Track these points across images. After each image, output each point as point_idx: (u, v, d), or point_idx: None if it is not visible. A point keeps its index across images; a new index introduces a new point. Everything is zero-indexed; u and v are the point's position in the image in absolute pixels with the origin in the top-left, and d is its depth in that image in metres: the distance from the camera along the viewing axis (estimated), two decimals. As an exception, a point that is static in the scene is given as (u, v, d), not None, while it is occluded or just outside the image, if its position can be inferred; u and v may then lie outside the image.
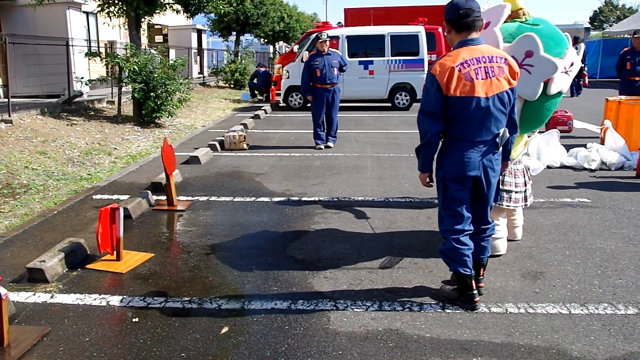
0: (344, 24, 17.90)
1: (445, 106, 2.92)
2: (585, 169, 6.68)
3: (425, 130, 3.00)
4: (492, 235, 3.34)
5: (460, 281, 3.12)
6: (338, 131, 8.71)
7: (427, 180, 3.19)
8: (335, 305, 3.18)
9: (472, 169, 2.97)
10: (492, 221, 3.26)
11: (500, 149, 3.05)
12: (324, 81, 8.12)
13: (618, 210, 5.06)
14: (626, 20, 27.75)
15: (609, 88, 16.71)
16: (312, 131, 8.47)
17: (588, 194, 5.62)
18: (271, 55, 31.48)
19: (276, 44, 32.01)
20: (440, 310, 3.11)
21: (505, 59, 2.96)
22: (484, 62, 2.87)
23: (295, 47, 16.70)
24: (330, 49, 8.25)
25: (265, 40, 30.32)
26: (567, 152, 6.97)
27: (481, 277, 3.32)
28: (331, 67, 8.11)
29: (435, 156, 3.12)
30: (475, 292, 3.12)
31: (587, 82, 17.58)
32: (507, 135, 3.01)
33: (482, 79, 2.86)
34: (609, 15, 42.21)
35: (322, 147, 8.37)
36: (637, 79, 8.83)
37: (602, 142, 7.31)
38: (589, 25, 37.93)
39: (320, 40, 8.13)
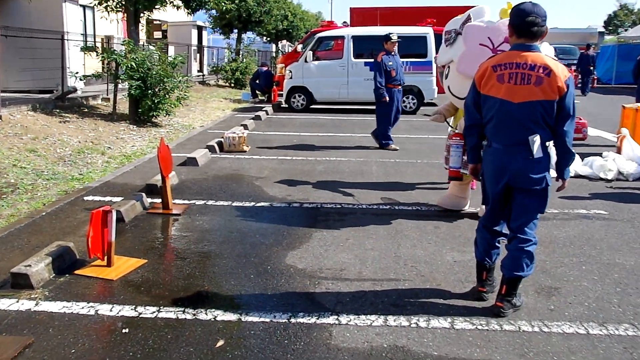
0: (349, 24, 17.81)
1: (480, 104, 3.14)
2: (601, 179, 6.46)
3: (464, 121, 3.34)
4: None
5: (476, 267, 3.40)
6: (340, 134, 8.60)
7: (477, 173, 3.37)
8: (338, 318, 3.08)
9: (500, 171, 3.08)
10: (530, 236, 3.06)
11: (538, 155, 2.94)
12: (398, 82, 8.30)
13: (637, 223, 4.88)
14: (642, 24, 27.30)
15: (624, 95, 16.37)
16: (380, 132, 8.47)
17: (604, 205, 5.43)
18: (274, 55, 31.36)
19: (279, 42, 31.94)
20: (448, 327, 2.98)
21: (551, 71, 2.86)
22: (523, 69, 2.93)
23: (299, 47, 16.56)
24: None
25: (268, 38, 30.25)
26: (582, 161, 6.75)
27: (505, 295, 3.11)
28: (401, 67, 8.36)
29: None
30: (481, 283, 3.33)
31: (595, 84, 20.07)
32: (538, 142, 2.94)
33: (515, 84, 2.94)
34: (624, 19, 41.75)
35: (394, 146, 8.36)
36: None
37: (619, 151, 7.15)
38: (603, 30, 37.59)
39: (391, 42, 8.18)
